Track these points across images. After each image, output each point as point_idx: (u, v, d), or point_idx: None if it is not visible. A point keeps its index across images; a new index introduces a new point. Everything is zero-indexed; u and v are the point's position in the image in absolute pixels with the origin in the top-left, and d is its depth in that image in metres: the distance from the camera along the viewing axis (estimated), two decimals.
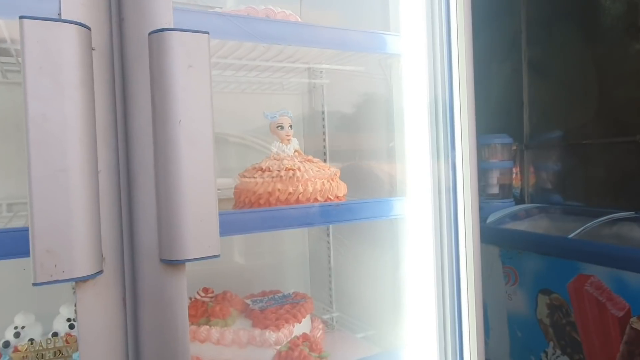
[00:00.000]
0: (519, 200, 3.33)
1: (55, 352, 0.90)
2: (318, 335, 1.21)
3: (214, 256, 0.68)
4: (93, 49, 0.63)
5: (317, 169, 1.10)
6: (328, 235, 1.52)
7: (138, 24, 0.67)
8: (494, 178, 3.30)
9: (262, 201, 1.04)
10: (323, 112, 1.50)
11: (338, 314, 1.46)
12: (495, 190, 3.30)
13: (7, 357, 0.89)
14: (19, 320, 0.93)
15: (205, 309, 1.17)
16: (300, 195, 1.04)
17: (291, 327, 1.11)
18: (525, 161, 3.37)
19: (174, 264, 0.67)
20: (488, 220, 2.94)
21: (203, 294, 1.22)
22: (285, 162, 1.11)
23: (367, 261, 1.33)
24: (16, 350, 0.90)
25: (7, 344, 0.91)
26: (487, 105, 3.95)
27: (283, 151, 1.15)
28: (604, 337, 1.99)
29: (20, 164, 0.76)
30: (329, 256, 1.52)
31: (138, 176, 0.68)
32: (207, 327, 1.09)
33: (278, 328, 1.08)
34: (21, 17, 0.56)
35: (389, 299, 1.20)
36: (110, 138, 0.66)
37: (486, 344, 2.62)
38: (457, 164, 1.02)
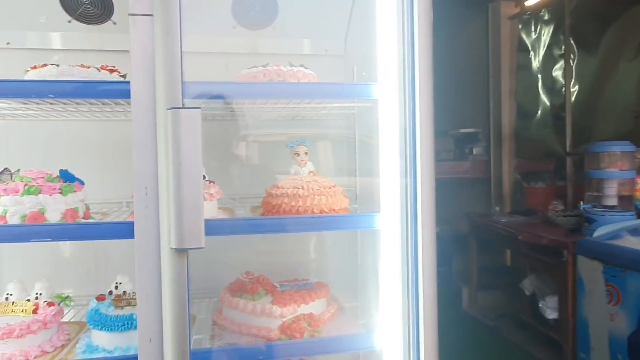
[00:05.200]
0: None
1: None
2: (326, 317, 1.55)
3: (200, 247, 1.08)
4: None
5: (318, 187, 1.44)
6: (356, 240, 1.84)
7: (163, 105, 1.10)
8: (612, 189, 3.06)
9: (274, 211, 1.42)
10: (354, 134, 1.81)
11: (358, 304, 1.77)
12: (612, 201, 3.06)
13: (110, 299, 1.43)
14: (119, 279, 1.47)
15: (243, 286, 1.60)
16: (299, 208, 1.39)
17: (296, 306, 1.47)
18: None
19: (177, 251, 1.10)
20: (595, 234, 2.78)
21: (245, 276, 1.65)
22: (296, 181, 1.47)
23: (372, 263, 1.61)
24: (116, 296, 1.44)
25: (110, 292, 1.45)
26: (612, 109, 3.66)
27: (298, 173, 1.51)
28: None
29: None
30: (357, 256, 1.83)
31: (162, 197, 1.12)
32: (239, 299, 1.52)
33: (284, 305, 1.45)
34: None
35: (379, 292, 1.48)
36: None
37: None
38: (417, 188, 1.27)
